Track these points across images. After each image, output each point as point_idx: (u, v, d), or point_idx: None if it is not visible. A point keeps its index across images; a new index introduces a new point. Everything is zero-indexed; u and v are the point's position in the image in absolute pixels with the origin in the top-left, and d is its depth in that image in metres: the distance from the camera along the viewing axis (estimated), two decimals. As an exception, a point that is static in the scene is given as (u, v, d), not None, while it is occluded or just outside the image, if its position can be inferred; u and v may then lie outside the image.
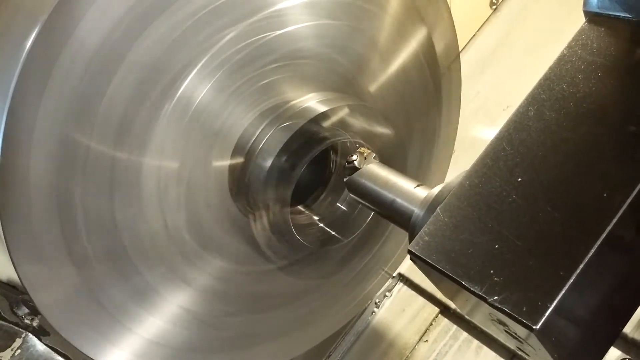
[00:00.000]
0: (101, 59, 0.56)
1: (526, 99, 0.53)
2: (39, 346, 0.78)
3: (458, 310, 1.13)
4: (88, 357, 0.83)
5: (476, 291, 0.45)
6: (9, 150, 0.54)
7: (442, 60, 0.91)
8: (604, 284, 0.45)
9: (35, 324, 0.80)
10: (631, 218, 0.43)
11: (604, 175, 0.45)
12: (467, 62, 1.23)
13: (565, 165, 0.47)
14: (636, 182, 0.43)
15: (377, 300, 1.25)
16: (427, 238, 0.50)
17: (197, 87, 0.63)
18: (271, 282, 0.82)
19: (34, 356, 0.77)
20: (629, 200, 0.42)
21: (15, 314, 0.79)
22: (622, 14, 0.51)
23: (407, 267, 1.25)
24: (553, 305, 0.41)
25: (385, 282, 1.12)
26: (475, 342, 1.11)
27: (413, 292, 1.23)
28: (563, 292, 0.41)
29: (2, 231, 0.58)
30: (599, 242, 0.42)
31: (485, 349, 1.10)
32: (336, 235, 0.77)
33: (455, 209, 0.50)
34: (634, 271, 0.46)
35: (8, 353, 0.76)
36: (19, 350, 0.77)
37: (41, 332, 0.80)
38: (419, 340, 1.17)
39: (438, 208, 0.51)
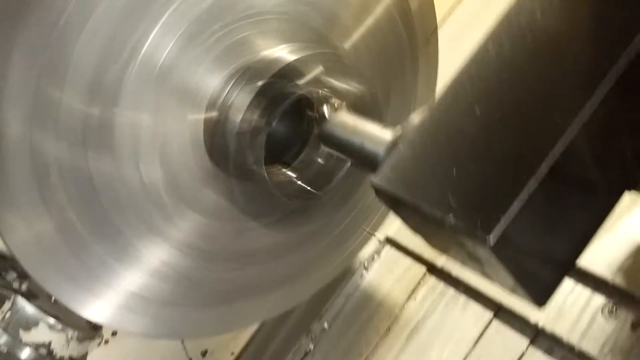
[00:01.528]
0: (66, 19, 0.57)
1: (486, 36, 0.54)
2: (28, 308, 0.80)
3: (442, 265, 1.16)
4: (80, 318, 0.85)
5: (434, 214, 0.46)
6: None
7: (419, 26, 0.91)
8: (560, 200, 0.47)
9: (24, 287, 0.82)
10: (583, 133, 0.44)
11: (557, 101, 0.47)
12: (447, 29, 1.23)
13: (521, 96, 0.49)
14: (585, 102, 0.44)
15: (366, 264, 1.27)
16: (388, 171, 0.51)
17: (161, 41, 0.64)
18: (255, 239, 0.84)
19: (24, 317, 0.79)
20: (577, 119, 0.44)
21: (3, 278, 0.81)
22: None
23: (394, 230, 1.27)
24: (504, 218, 0.43)
25: (369, 242, 1.14)
26: (462, 297, 1.14)
27: (400, 254, 1.25)
28: (514, 205, 0.43)
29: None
30: (548, 157, 0.43)
31: (472, 302, 1.12)
32: (313, 190, 0.79)
33: (416, 143, 0.52)
34: (592, 186, 0.48)
35: (-2, 316, 0.78)
36: (9, 313, 0.78)
37: (31, 296, 0.81)
38: (408, 298, 1.19)
39: (400, 143, 0.52)
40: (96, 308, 0.72)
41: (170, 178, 0.71)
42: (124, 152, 0.66)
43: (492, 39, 0.54)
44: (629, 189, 0.59)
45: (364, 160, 0.64)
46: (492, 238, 0.43)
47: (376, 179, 0.51)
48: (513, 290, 0.53)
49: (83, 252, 0.67)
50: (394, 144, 0.57)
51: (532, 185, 0.44)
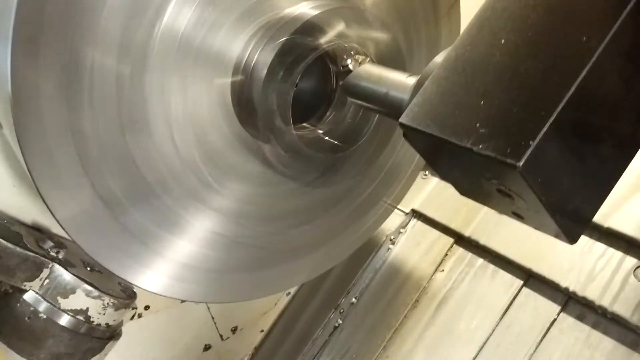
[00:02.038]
0: None
1: (507, -30, 0.53)
2: (66, 275, 0.81)
3: (469, 235, 1.15)
4: (115, 286, 0.87)
5: (463, 144, 0.46)
6: (19, 70, 0.56)
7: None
8: (587, 133, 0.46)
9: (61, 256, 0.84)
10: (612, 56, 0.44)
11: (583, 23, 0.46)
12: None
13: (546, 22, 0.48)
14: (613, 23, 0.44)
15: (392, 237, 1.27)
16: (416, 109, 0.51)
17: (182, 6, 0.65)
18: (291, 201, 0.85)
19: (62, 284, 0.81)
20: (607, 39, 0.43)
21: (41, 247, 0.83)
22: None
23: (420, 202, 1.27)
24: (535, 142, 0.42)
25: (390, 214, 1.14)
26: (491, 267, 1.13)
27: (427, 226, 1.25)
28: (544, 129, 0.43)
29: (23, 163, 0.62)
30: (578, 80, 0.43)
31: (501, 272, 1.11)
32: (341, 145, 0.79)
33: (442, 79, 0.52)
34: (619, 123, 0.47)
35: (37, 283, 0.80)
36: (47, 280, 0.80)
37: (67, 264, 0.83)
38: (435, 270, 1.19)
39: (426, 81, 0.52)
40: (147, 277, 0.74)
41: (204, 144, 0.71)
42: (157, 117, 0.67)
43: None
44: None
45: (391, 107, 0.64)
46: (522, 162, 0.43)
47: (403, 117, 0.51)
48: (543, 227, 0.53)
49: (129, 222, 0.69)
50: (419, 84, 0.57)
51: (560, 109, 0.44)
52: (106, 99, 0.62)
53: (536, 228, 0.54)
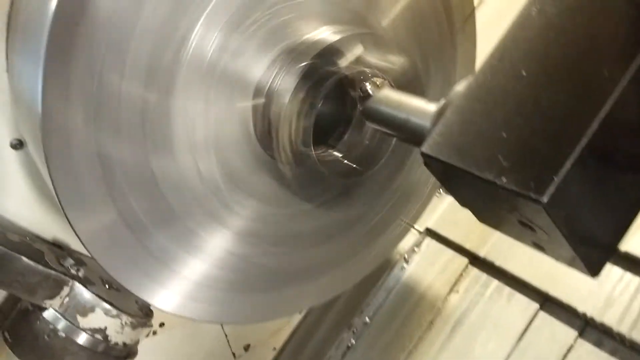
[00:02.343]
0: (121, 11, 0.60)
1: (528, 1, 0.54)
2: (86, 294, 0.82)
3: (484, 256, 1.14)
4: (132, 305, 0.88)
5: (485, 177, 0.46)
6: (49, 98, 0.57)
7: (457, 7, 0.92)
8: (611, 164, 0.46)
9: (81, 274, 0.85)
10: (632, 91, 0.44)
11: (604, 57, 0.46)
12: (483, 13, 1.23)
13: (567, 54, 0.48)
14: (634, 54, 0.44)
15: (406, 256, 1.27)
16: (437, 138, 0.52)
17: (206, 33, 0.66)
18: (306, 222, 0.85)
19: (81, 303, 0.82)
20: (628, 72, 0.43)
21: (62, 265, 0.84)
22: None
23: (434, 221, 1.26)
24: (559, 178, 0.42)
25: (409, 234, 1.14)
26: (507, 289, 1.12)
27: (441, 246, 1.24)
28: (567, 165, 0.43)
29: (50, 185, 0.63)
30: (601, 114, 0.43)
31: (517, 294, 1.10)
32: (359, 168, 0.80)
33: (463, 108, 0.52)
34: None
35: (57, 301, 0.80)
36: (67, 298, 0.81)
37: (87, 282, 0.84)
38: (450, 291, 1.18)
39: (447, 110, 0.53)
40: (163, 296, 0.75)
41: (225, 166, 0.73)
42: (181, 142, 0.68)
43: (534, 2, 0.54)
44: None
45: (411, 134, 0.64)
46: (546, 197, 0.43)
47: (425, 147, 0.52)
48: (565, 259, 0.53)
49: (149, 242, 0.70)
50: (440, 113, 0.57)
51: (584, 143, 0.43)
52: (132, 125, 0.64)
53: (557, 259, 0.53)
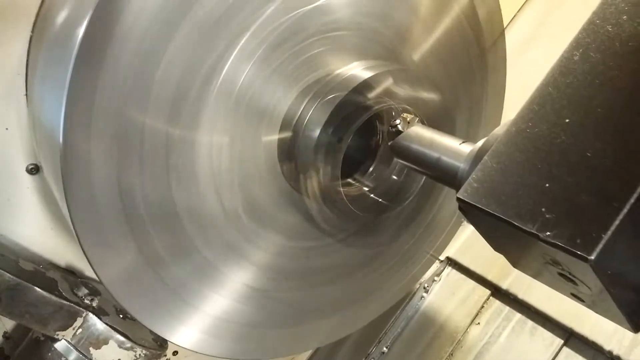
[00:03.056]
0: (149, 41, 0.58)
1: (570, 44, 0.52)
2: (99, 325, 0.81)
3: (507, 288, 1.11)
4: (146, 335, 0.87)
5: (528, 229, 0.44)
6: (71, 133, 0.56)
7: (487, 31, 0.90)
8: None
9: (94, 304, 0.83)
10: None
11: (655, 107, 0.44)
12: (511, 39, 1.21)
13: (613, 103, 0.47)
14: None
15: (426, 285, 1.24)
16: (475, 184, 0.50)
17: (240, 65, 0.65)
18: (329, 256, 0.84)
19: (95, 334, 0.80)
20: (682, 128, 0.41)
21: (75, 294, 0.83)
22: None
23: (455, 250, 1.24)
24: (607, 236, 0.40)
25: (432, 265, 1.12)
26: (530, 322, 1.09)
27: (462, 275, 1.22)
28: (617, 222, 0.41)
29: (67, 217, 0.62)
30: (653, 170, 0.41)
31: (541, 329, 1.07)
32: (387, 203, 0.78)
33: (502, 155, 0.50)
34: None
35: (70, 332, 0.79)
36: (80, 330, 0.80)
37: (101, 312, 0.83)
38: (471, 323, 1.16)
39: (485, 155, 0.51)
40: (182, 333, 0.73)
41: (249, 200, 0.71)
42: (205, 176, 0.67)
43: (576, 46, 0.52)
44: None
45: (443, 174, 0.63)
46: (594, 255, 0.41)
47: (462, 193, 0.50)
48: (606, 313, 0.50)
49: (169, 279, 0.68)
50: (477, 157, 0.55)
51: (634, 200, 0.41)
52: (155, 160, 0.63)
53: (598, 313, 0.51)
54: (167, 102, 0.61)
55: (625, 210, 0.41)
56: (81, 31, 0.54)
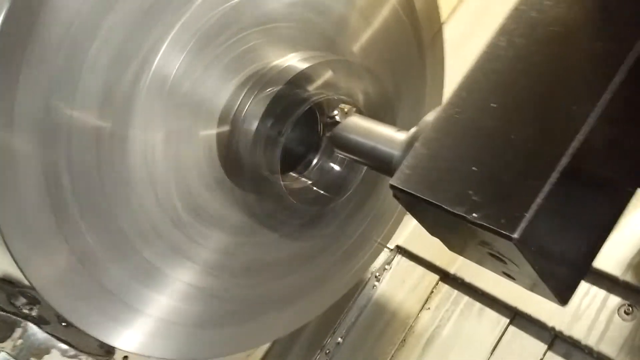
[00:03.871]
0: (75, 32, 0.56)
1: (497, 30, 0.54)
2: (40, 334, 0.78)
3: (454, 272, 1.15)
4: (91, 342, 0.84)
5: (457, 212, 0.46)
6: None
7: (425, 25, 0.92)
8: (579, 196, 0.46)
9: (34, 313, 0.80)
10: (600, 127, 0.44)
11: (573, 90, 0.47)
12: (450, 34, 1.24)
13: (536, 87, 0.49)
14: (602, 92, 0.44)
15: (378, 274, 1.26)
16: (407, 171, 0.51)
17: (171, 58, 0.64)
18: (274, 251, 0.84)
19: (36, 344, 0.78)
20: (596, 110, 0.43)
21: (13, 304, 0.80)
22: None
23: (404, 238, 1.26)
24: (529, 214, 0.42)
25: (382, 254, 1.13)
26: (477, 304, 1.12)
27: (412, 263, 1.24)
28: (538, 201, 0.42)
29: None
30: (570, 151, 0.43)
31: (487, 310, 1.11)
32: (330, 195, 0.78)
33: (432, 140, 0.51)
34: (610, 180, 0.48)
35: (9, 343, 0.77)
36: (20, 340, 0.77)
37: (41, 321, 0.80)
38: (422, 308, 1.18)
39: (416, 142, 0.52)
40: (125, 337, 0.71)
41: (189, 197, 0.70)
42: (139, 172, 0.65)
43: (502, 32, 0.54)
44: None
45: (379, 162, 0.64)
46: (517, 234, 0.42)
47: (395, 180, 0.51)
48: (535, 289, 0.53)
49: (107, 280, 0.66)
50: (409, 144, 0.57)
51: (554, 179, 0.43)
52: (85, 156, 0.60)
53: (527, 288, 0.53)
54: (95, 96, 0.59)
55: (545, 190, 0.43)
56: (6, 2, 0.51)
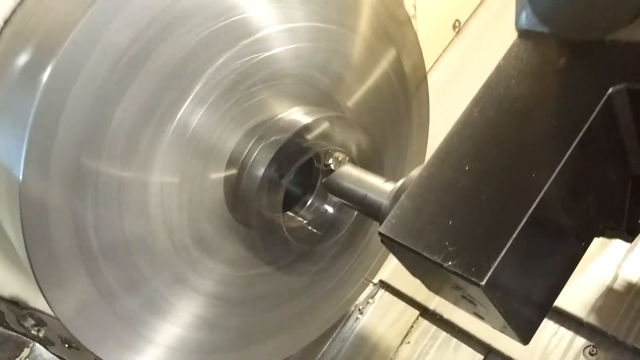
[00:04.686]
0: (104, 95, 0.63)
1: (471, 102, 0.63)
2: (46, 355, 0.83)
3: (433, 309, 1.21)
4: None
5: (434, 259, 0.53)
6: (30, 177, 0.60)
7: (411, 79, 1.02)
8: (539, 248, 0.54)
9: (41, 334, 0.85)
10: (556, 192, 0.52)
11: (533, 159, 0.55)
12: (434, 82, 1.34)
13: (503, 154, 0.57)
14: (557, 164, 0.53)
15: (361, 307, 1.32)
16: (393, 221, 0.59)
17: (193, 110, 0.71)
18: (271, 283, 0.90)
19: (42, 364, 0.82)
20: (551, 178, 0.52)
21: (22, 325, 0.84)
22: (544, 30, 0.62)
23: (387, 273, 1.33)
24: (495, 264, 0.50)
25: (366, 288, 1.20)
26: (454, 340, 1.19)
27: (394, 297, 1.30)
28: (503, 253, 0.50)
29: (20, 252, 0.65)
30: (530, 211, 0.51)
31: (464, 346, 1.17)
32: (322, 234, 0.86)
33: (416, 195, 0.59)
34: (565, 235, 0.56)
35: (17, 362, 0.81)
36: (28, 359, 0.82)
37: (47, 342, 0.85)
38: (402, 342, 1.24)
39: (402, 196, 0.60)
40: None
41: (197, 233, 0.77)
42: (155, 213, 0.72)
43: (476, 104, 0.63)
44: (597, 236, 0.67)
45: (369, 209, 0.71)
46: (485, 281, 0.50)
47: (383, 228, 0.59)
48: (502, 329, 0.60)
49: (121, 309, 0.72)
50: (397, 196, 0.65)
51: (516, 234, 0.51)
52: (108, 199, 0.67)
53: (494, 328, 0.61)
54: (120, 149, 0.66)
55: (509, 243, 0.51)
56: (45, 75, 0.59)
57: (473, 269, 0.51)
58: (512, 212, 0.52)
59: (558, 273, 0.58)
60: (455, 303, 0.62)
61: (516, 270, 0.53)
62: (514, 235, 0.51)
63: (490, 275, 0.50)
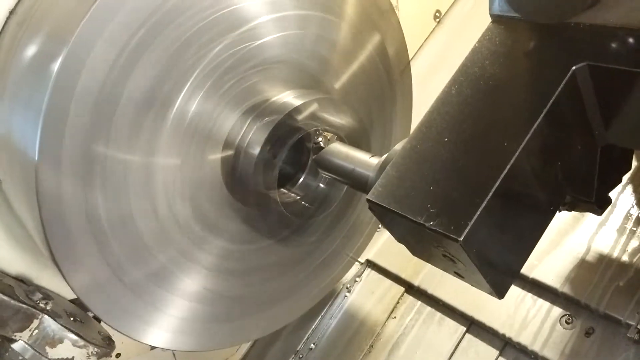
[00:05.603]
0: (109, 85, 0.68)
1: (449, 81, 0.69)
2: (54, 325, 0.86)
3: (418, 285, 1.28)
4: (96, 335, 0.94)
5: (417, 220, 0.59)
6: (44, 158, 0.65)
7: (395, 64, 1.08)
8: (511, 210, 0.60)
9: (49, 307, 0.89)
10: (525, 159, 0.59)
11: (505, 130, 0.61)
12: (417, 70, 1.40)
13: (478, 127, 0.63)
14: (526, 133, 0.59)
15: (349, 286, 1.38)
16: (380, 188, 0.65)
17: (191, 96, 0.76)
18: (267, 256, 0.96)
19: (50, 335, 0.86)
20: (520, 147, 0.58)
21: (31, 299, 0.88)
22: (515, 15, 0.68)
23: (373, 253, 1.39)
24: (472, 222, 0.56)
25: (353, 267, 1.26)
26: (438, 314, 1.25)
27: (380, 275, 1.37)
28: (478, 212, 0.56)
29: (34, 231, 0.70)
30: (502, 176, 0.57)
31: (447, 319, 1.23)
32: (315, 208, 0.92)
33: (400, 165, 0.65)
34: (535, 200, 0.62)
35: (27, 333, 0.84)
36: (37, 330, 0.85)
37: (55, 315, 0.89)
38: (388, 317, 1.30)
39: (388, 166, 0.66)
40: (154, 335, 0.83)
41: (198, 212, 0.82)
42: (160, 194, 0.77)
43: (453, 83, 0.69)
44: (569, 209, 0.74)
45: (357, 182, 0.77)
46: (462, 237, 0.56)
47: (370, 195, 0.64)
48: (478, 284, 0.66)
49: (134, 286, 0.78)
50: (382, 167, 0.70)
51: (489, 196, 0.58)
52: (116, 181, 0.72)
53: (473, 285, 0.67)
54: (125, 134, 0.71)
55: (483, 204, 0.57)
56: (57, 63, 0.63)
57: (452, 227, 0.57)
58: (486, 177, 0.58)
59: (529, 234, 0.65)
60: (436, 264, 0.68)
61: (491, 229, 0.59)
62: (488, 197, 0.57)
63: (467, 232, 0.56)
